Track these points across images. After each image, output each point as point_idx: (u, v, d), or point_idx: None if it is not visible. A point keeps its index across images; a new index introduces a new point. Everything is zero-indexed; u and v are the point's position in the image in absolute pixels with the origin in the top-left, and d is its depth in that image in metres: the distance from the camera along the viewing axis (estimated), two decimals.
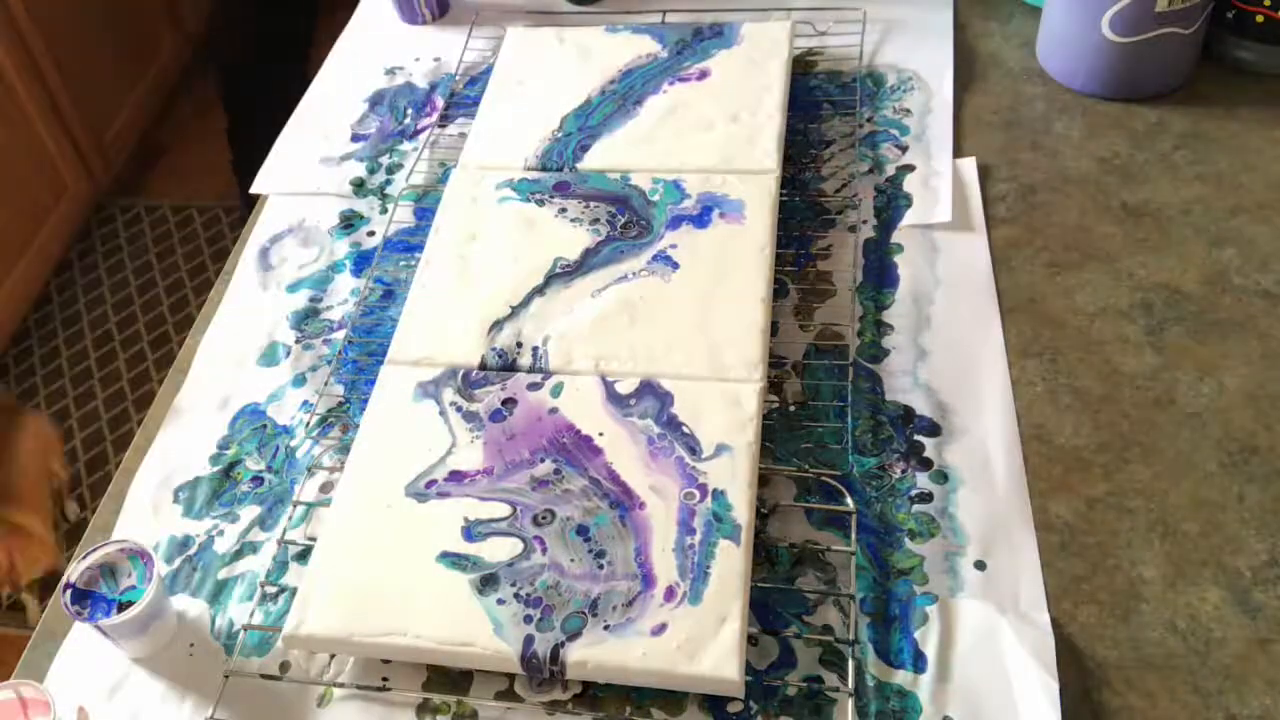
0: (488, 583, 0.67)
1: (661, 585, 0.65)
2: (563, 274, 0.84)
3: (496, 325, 0.81)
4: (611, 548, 0.68)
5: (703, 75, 0.99)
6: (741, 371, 0.76)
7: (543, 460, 0.73)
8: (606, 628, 0.64)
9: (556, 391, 0.77)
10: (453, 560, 0.68)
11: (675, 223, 0.86)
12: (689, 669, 0.62)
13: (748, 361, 0.77)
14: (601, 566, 0.67)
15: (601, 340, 0.79)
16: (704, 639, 0.63)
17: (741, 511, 0.68)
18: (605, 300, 0.82)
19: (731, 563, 0.66)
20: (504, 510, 0.70)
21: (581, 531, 0.69)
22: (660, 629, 0.63)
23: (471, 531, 0.69)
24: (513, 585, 0.67)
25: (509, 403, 0.77)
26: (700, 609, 0.64)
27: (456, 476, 0.73)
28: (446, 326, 0.82)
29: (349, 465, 0.74)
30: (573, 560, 0.67)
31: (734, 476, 0.70)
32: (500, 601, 0.66)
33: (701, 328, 0.79)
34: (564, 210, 0.89)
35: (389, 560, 0.69)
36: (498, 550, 0.68)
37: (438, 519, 0.70)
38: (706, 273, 0.83)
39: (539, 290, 0.83)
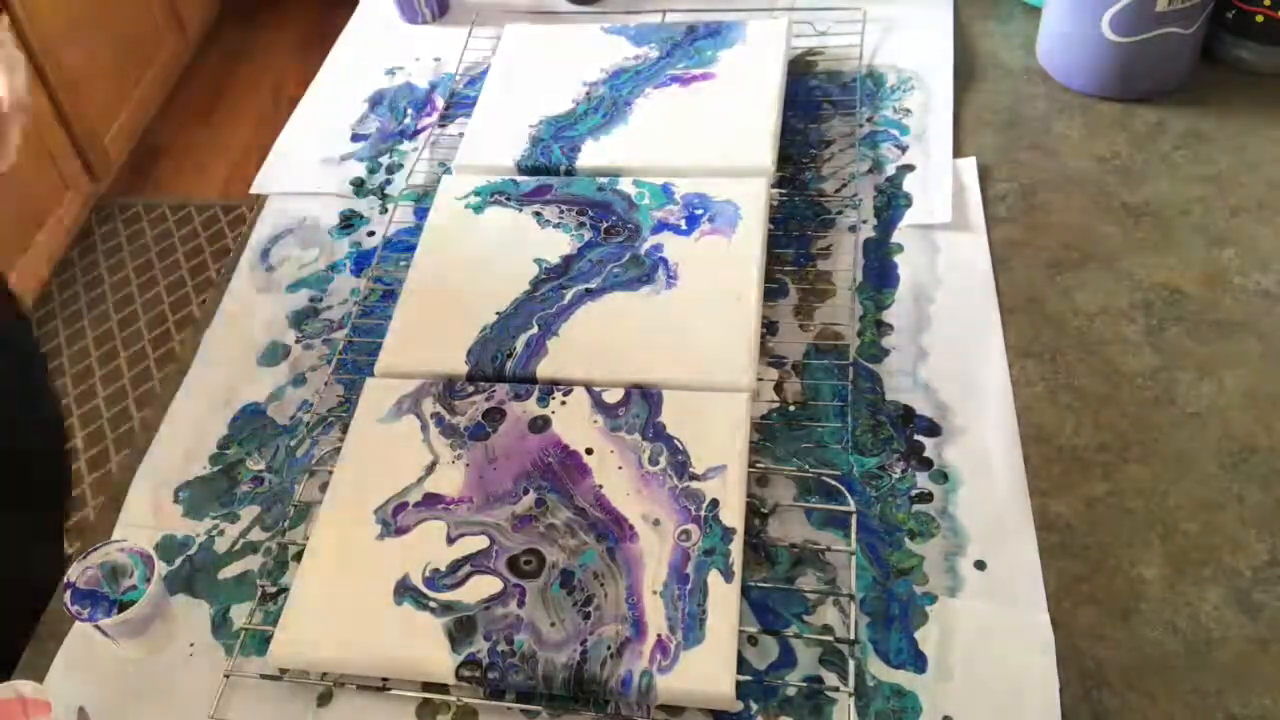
0: (461, 629, 0.65)
1: (651, 636, 0.63)
2: (548, 280, 0.84)
3: (484, 333, 0.81)
4: (599, 590, 0.66)
5: (698, 77, 0.99)
6: (730, 379, 0.76)
7: (525, 491, 0.71)
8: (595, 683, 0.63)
9: (543, 400, 0.76)
10: (421, 603, 0.67)
11: (661, 227, 0.86)
12: (681, 687, 0.62)
13: (737, 368, 0.76)
14: (588, 615, 0.65)
15: (588, 347, 0.79)
16: (695, 667, 0.62)
17: (732, 543, 0.67)
18: (591, 306, 0.81)
19: (721, 593, 0.65)
20: (481, 543, 0.69)
21: (566, 581, 0.66)
22: (648, 682, 0.62)
23: (435, 582, 0.67)
24: (488, 640, 0.64)
25: (492, 414, 0.76)
26: (694, 650, 0.63)
27: (432, 500, 0.72)
28: (434, 336, 0.82)
29: (331, 485, 0.74)
30: (553, 625, 0.65)
31: (725, 498, 0.69)
32: (473, 656, 0.64)
33: (690, 334, 0.79)
34: (544, 217, 0.88)
35: (362, 590, 0.68)
36: (474, 590, 0.67)
37: (409, 553, 0.69)
38: (695, 278, 0.82)
39: (525, 297, 0.83)
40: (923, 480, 0.73)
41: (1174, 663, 0.64)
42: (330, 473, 0.75)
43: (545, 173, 0.93)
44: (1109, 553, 0.69)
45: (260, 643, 0.69)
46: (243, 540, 0.75)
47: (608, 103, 0.98)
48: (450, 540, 0.69)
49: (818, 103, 1.00)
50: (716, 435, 0.72)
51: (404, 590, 0.67)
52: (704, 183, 0.89)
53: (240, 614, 0.71)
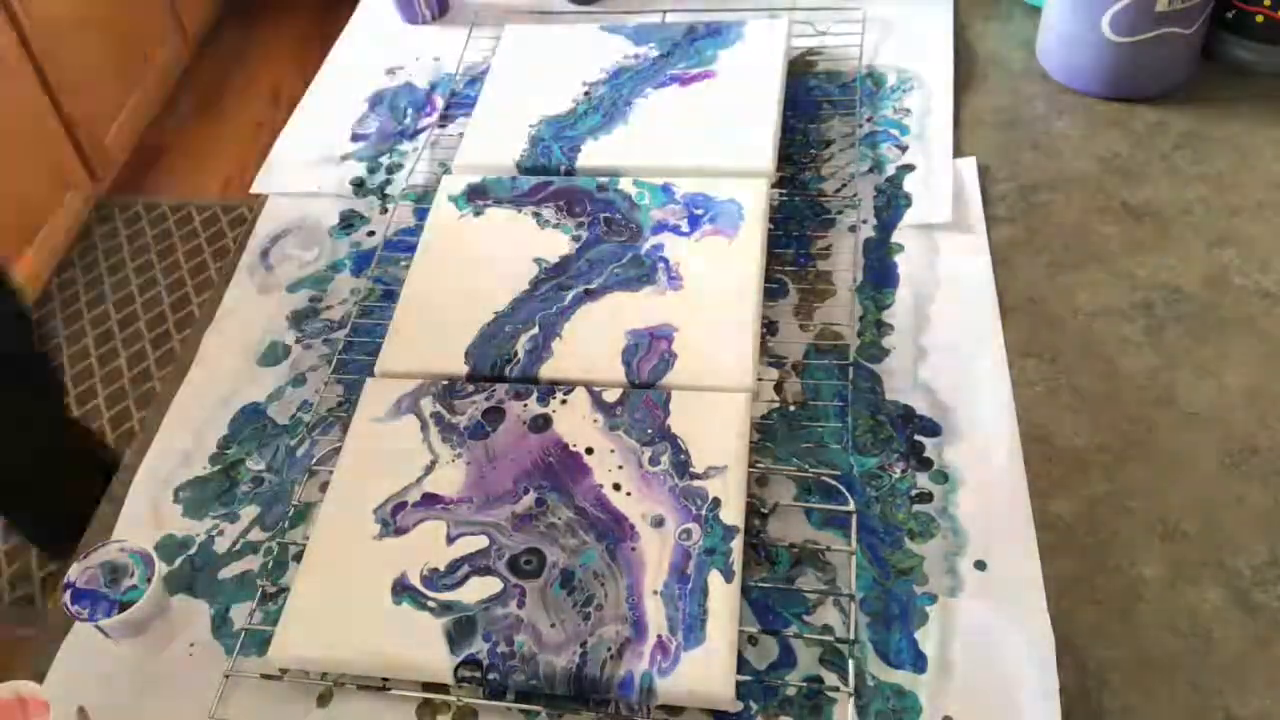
0: (461, 629, 0.65)
1: (651, 637, 0.63)
2: (547, 279, 0.84)
3: (483, 333, 0.81)
4: (599, 590, 0.66)
5: (698, 76, 0.99)
6: (730, 379, 0.76)
7: (526, 491, 0.71)
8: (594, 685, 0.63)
9: (543, 399, 0.76)
10: (420, 603, 0.66)
11: (662, 228, 0.86)
12: (681, 687, 0.62)
13: (737, 368, 0.76)
14: (589, 616, 0.64)
15: (589, 347, 0.79)
16: (695, 667, 0.62)
17: (733, 542, 0.67)
18: (591, 306, 0.81)
19: (721, 593, 0.65)
20: (481, 543, 0.69)
21: (566, 581, 0.66)
22: (648, 683, 0.62)
23: (434, 582, 0.67)
24: (488, 640, 0.64)
25: (492, 413, 0.76)
26: (694, 651, 0.63)
27: (431, 500, 0.71)
28: (434, 336, 0.82)
29: (331, 486, 0.74)
30: (553, 626, 0.64)
31: (726, 497, 0.69)
32: (473, 657, 0.64)
33: (690, 335, 0.79)
34: (543, 217, 0.88)
35: (362, 590, 0.68)
36: (473, 590, 0.66)
37: (409, 553, 0.69)
38: (695, 278, 0.82)
39: (525, 296, 0.83)
40: (923, 480, 0.73)
41: (1174, 663, 0.64)
42: (330, 473, 0.75)
43: (545, 172, 0.93)
44: (1109, 553, 0.69)
45: (260, 643, 0.69)
46: (243, 540, 0.75)
47: (608, 103, 0.98)
48: (450, 540, 0.69)
49: (818, 103, 1.00)
50: (717, 435, 0.72)
51: (403, 590, 0.67)
52: (704, 183, 0.89)
53: (240, 614, 0.71)
